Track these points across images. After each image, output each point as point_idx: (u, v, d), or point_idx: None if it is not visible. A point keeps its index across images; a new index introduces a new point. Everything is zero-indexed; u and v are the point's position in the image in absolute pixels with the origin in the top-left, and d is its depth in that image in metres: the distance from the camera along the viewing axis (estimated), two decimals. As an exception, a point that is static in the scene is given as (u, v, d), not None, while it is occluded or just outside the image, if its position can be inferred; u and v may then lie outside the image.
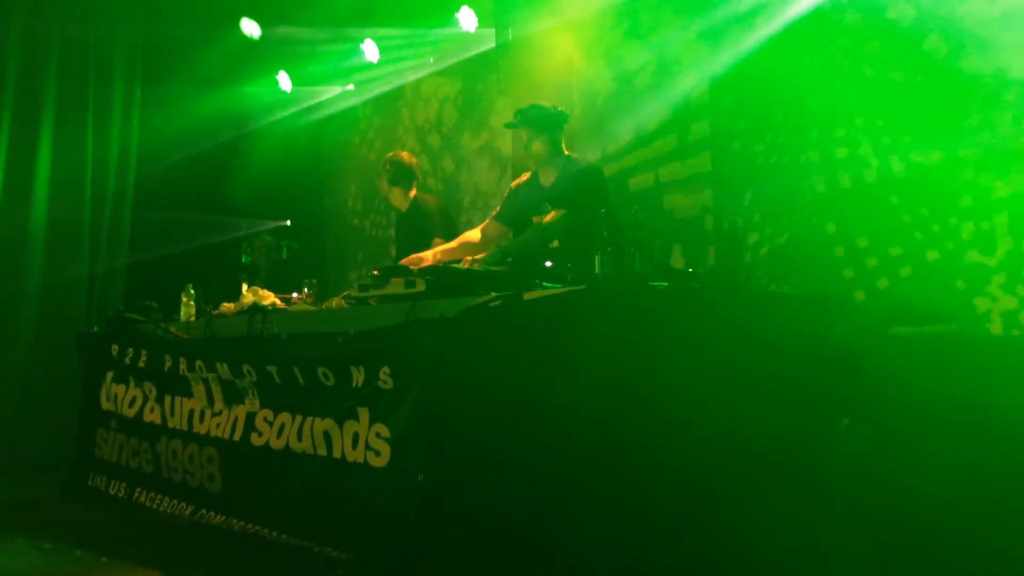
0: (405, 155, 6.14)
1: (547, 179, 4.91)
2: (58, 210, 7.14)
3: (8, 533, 4.42)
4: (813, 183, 5.21)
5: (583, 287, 3.70)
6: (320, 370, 3.90)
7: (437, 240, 5.69)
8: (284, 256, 8.33)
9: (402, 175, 6.01)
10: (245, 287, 4.89)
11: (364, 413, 3.70)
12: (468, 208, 7.52)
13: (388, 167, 6.03)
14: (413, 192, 6.05)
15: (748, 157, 5.58)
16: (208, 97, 7.94)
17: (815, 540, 3.88)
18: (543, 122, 4.84)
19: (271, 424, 4.18)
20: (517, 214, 4.97)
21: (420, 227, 5.85)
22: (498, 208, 5.16)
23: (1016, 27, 4.43)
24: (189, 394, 4.67)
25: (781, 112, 5.37)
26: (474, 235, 5.13)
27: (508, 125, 5.14)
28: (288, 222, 8.78)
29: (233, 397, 4.41)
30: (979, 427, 3.88)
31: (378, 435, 3.63)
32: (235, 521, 4.31)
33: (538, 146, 4.86)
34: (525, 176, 5.09)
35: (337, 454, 3.81)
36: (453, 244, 5.07)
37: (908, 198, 4.81)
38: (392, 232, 7.41)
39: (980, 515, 3.79)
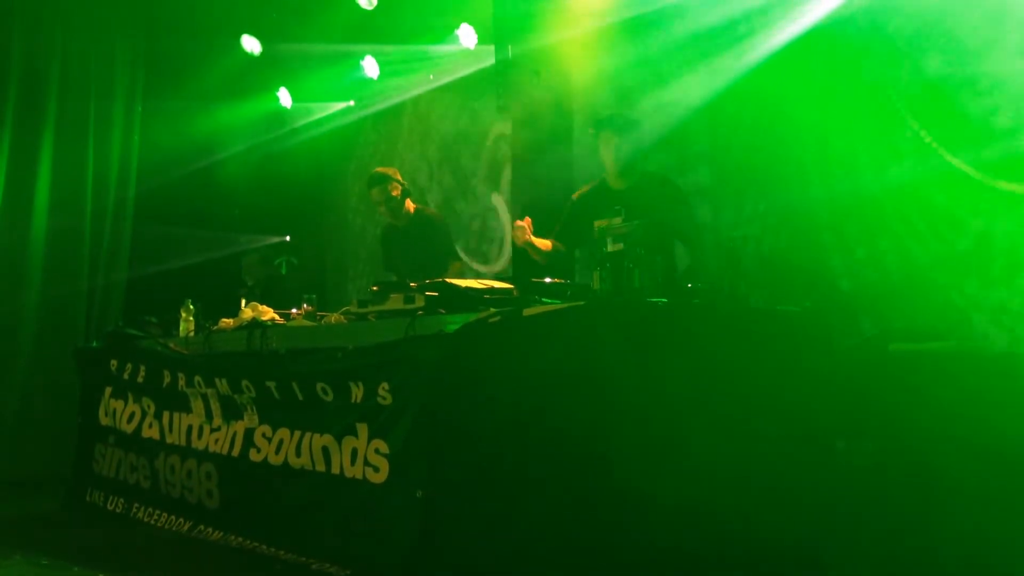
0: (392, 170, 6.12)
1: (618, 184, 4.96)
2: (58, 224, 7.15)
3: (6, 549, 4.41)
4: (812, 197, 5.22)
5: (582, 303, 3.70)
6: (319, 385, 3.90)
7: (454, 263, 5.77)
8: (284, 272, 8.36)
9: (400, 188, 6.01)
10: (244, 302, 4.89)
11: (363, 429, 3.69)
12: (466, 222, 7.54)
13: (381, 182, 5.97)
14: (410, 204, 6.03)
15: (747, 171, 5.59)
16: (209, 113, 7.97)
17: (815, 554, 3.88)
18: (627, 128, 4.94)
19: (270, 440, 4.17)
20: (584, 223, 4.83)
21: (424, 240, 5.86)
22: (558, 227, 5.10)
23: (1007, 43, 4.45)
24: (188, 410, 4.66)
25: (779, 126, 5.39)
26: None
27: (597, 128, 5.06)
28: (288, 237, 8.79)
29: (232, 413, 4.40)
30: (979, 443, 3.88)
31: (377, 451, 3.62)
32: (233, 537, 4.29)
33: (622, 150, 4.92)
34: (586, 188, 5.13)
35: (336, 470, 3.81)
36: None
37: (906, 211, 4.83)
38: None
39: (981, 528, 3.79)
